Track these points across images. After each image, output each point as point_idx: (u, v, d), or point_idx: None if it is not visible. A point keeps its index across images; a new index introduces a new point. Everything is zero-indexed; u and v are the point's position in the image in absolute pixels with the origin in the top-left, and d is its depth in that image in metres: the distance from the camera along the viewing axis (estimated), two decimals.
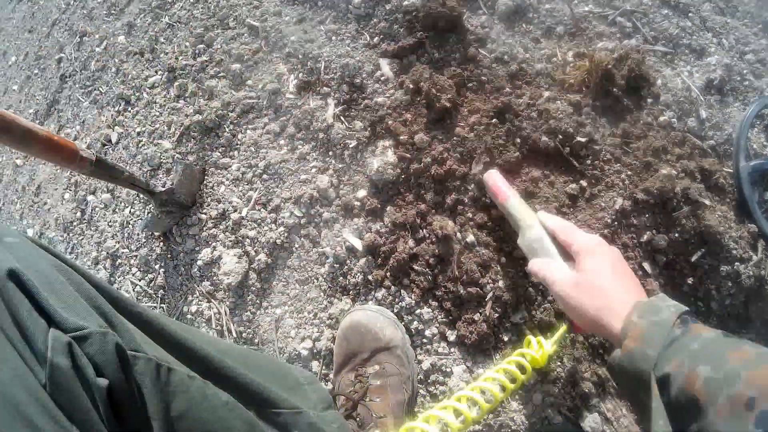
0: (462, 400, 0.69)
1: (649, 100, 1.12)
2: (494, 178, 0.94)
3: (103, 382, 0.45)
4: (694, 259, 1.00)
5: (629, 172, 1.03)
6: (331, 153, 1.13)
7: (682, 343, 0.56)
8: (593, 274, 0.70)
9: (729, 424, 0.47)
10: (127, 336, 0.51)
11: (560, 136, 1.04)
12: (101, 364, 0.45)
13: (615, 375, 0.62)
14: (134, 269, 1.24)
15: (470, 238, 0.98)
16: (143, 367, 0.51)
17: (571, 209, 1.01)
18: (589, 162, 1.04)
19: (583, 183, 1.03)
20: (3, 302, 0.44)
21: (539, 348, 0.79)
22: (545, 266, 0.78)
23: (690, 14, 1.27)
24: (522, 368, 0.78)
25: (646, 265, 0.99)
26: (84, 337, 0.45)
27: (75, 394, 0.42)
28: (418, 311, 0.98)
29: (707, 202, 1.03)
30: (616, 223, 0.99)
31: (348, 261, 1.04)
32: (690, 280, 1.00)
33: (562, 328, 0.83)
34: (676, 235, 1.00)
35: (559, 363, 0.94)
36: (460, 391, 0.71)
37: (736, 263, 1.00)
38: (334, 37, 1.25)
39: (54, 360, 0.42)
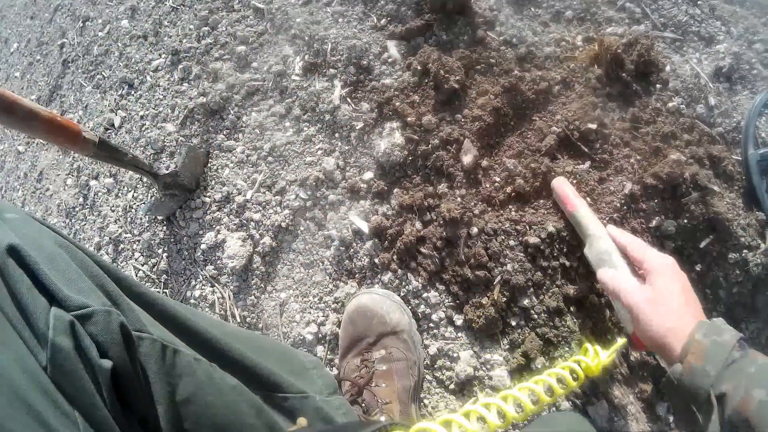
0: (508, 400, 0.68)
1: (658, 86, 1.11)
2: (563, 186, 0.93)
3: (107, 363, 0.43)
4: (702, 245, 0.99)
5: (638, 157, 1.02)
6: (337, 135, 1.12)
7: (740, 366, 0.57)
8: (667, 293, 0.71)
9: None
10: (132, 316, 0.49)
11: (569, 123, 1.03)
12: (105, 344, 0.44)
13: (672, 389, 0.63)
14: (137, 254, 1.23)
15: (474, 230, 0.98)
16: (148, 349, 0.49)
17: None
18: (598, 146, 1.03)
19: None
20: (2, 280, 0.43)
21: (596, 357, 0.78)
22: (618, 278, 0.78)
23: (699, 2, 1.26)
24: (574, 375, 0.76)
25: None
26: (87, 315, 0.43)
27: (77, 376, 0.41)
28: (425, 295, 0.97)
29: (716, 188, 1.02)
30: (625, 207, 0.99)
31: (354, 244, 1.03)
32: (698, 267, 0.99)
33: (621, 342, 0.82)
34: (685, 221, 0.99)
35: (566, 348, 0.93)
36: (507, 390, 0.69)
37: (744, 251, 0.99)
38: (340, 19, 1.24)
39: (55, 340, 0.40)
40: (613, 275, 0.79)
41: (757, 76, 1.19)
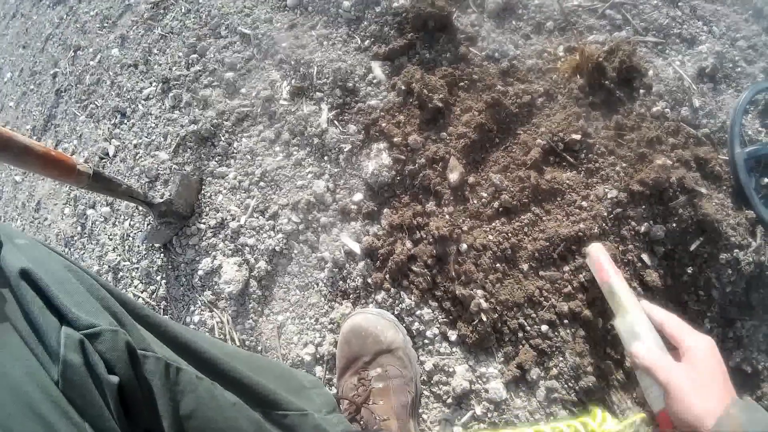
0: None
1: (642, 91, 1.11)
2: (599, 254, 0.90)
3: (114, 379, 0.45)
4: (692, 248, 0.99)
5: (624, 164, 1.03)
6: (326, 158, 1.14)
7: None
8: (709, 375, 0.69)
9: None
10: (137, 335, 0.52)
11: (554, 135, 1.04)
12: (112, 362, 0.46)
13: None
14: (136, 281, 1.25)
15: (463, 247, 0.99)
16: (153, 366, 0.51)
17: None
18: (583, 156, 1.04)
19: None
20: (16, 301, 0.45)
21: (603, 422, 0.76)
22: (654, 353, 0.75)
23: (680, 3, 1.27)
24: None
25: (645, 257, 0.99)
26: (95, 334, 0.46)
27: (87, 390, 0.43)
28: (418, 312, 0.98)
29: (704, 190, 1.03)
30: (612, 215, 0.99)
31: (347, 265, 1.05)
32: (690, 270, 0.99)
33: (638, 416, 0.78)
34: (674, 225, 1.00)
35: (561, 358, 0.94)
36: (507, 428, 0.68)
37: (736, 250, 1.00)
38: (325, 42, 1.26)
39: (66, 357, 0.43)
40: (648, 350, 0.76)
41: (741, 73, 1.20)
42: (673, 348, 0.76)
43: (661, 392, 0.71)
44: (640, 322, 0.79)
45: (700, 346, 0.71)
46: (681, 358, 0.72)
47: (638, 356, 0.76)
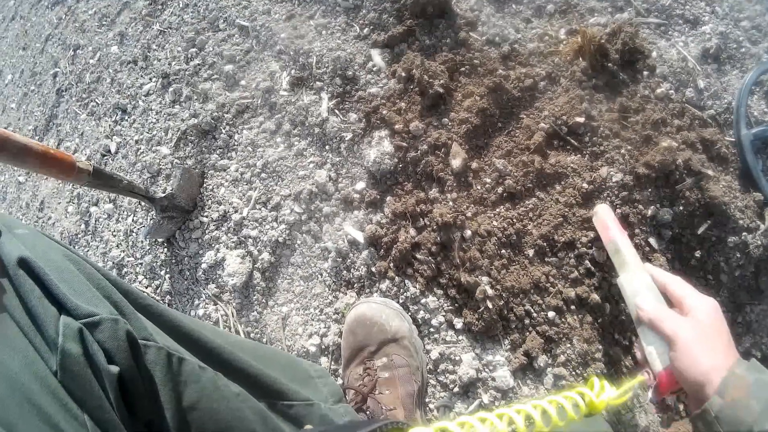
0: (502, 419, 0.66)
1: (645, 73, 1.10)
2: (605, 214, 0.92)
3: (114, 369, 0.45)
4: (700, 231, 0.98)
5: (629, 147, 1.02)
6: (327, 147, 1.13)
7: None
8: (714, 330, 0.67)
9: None
10: (138, 325, 0.51)
11: (557, 118, 1.03)
12: (112, 351, 0.45)
13: (706, 422, 0.61)
14: (140, 276, 1.25)
15: (468, 233, 0.98)
16: (154, 356, 0.51)
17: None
18: (587, 139, 1.02)
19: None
20: (14, 290, 0.45)
21: (601, 391, 0.75)
22: (661, 309, 0.74)
23: None
24: (576, 407, 0.74)
25: (652, 241, 0.98)
26: (95, 323, 0.45)
27: (86, 380, 0.42)
28: (423, 300, 0.97)
29: (710, 172, 1.01)
30: (619, 199, 0.98)
31: (350, 254, 1.04)
32: (698, 254, 0.98)
33: (637, 379, 0.75)
34: (681, 208, 0.98)
35: (568, 345, 0.93)
36: (503, 408, 0.67)
37: (744, 233, 0.98)
38: (324, 31, 1.25)
39: (65, 346, 0.42)
40: (654, 306, 0.75)
41: (745, 54, 1.18)
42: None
43: (665, 349, 0.69)
44: (644, 280, 0.79)
45: (705, 305, 0.70)
46: (685, 316, 0.71)
47: (643, 308, 0.75)
